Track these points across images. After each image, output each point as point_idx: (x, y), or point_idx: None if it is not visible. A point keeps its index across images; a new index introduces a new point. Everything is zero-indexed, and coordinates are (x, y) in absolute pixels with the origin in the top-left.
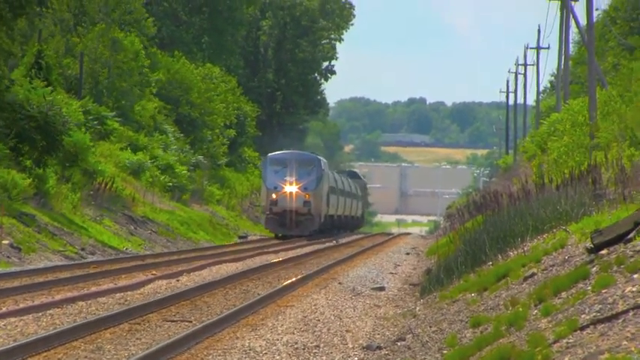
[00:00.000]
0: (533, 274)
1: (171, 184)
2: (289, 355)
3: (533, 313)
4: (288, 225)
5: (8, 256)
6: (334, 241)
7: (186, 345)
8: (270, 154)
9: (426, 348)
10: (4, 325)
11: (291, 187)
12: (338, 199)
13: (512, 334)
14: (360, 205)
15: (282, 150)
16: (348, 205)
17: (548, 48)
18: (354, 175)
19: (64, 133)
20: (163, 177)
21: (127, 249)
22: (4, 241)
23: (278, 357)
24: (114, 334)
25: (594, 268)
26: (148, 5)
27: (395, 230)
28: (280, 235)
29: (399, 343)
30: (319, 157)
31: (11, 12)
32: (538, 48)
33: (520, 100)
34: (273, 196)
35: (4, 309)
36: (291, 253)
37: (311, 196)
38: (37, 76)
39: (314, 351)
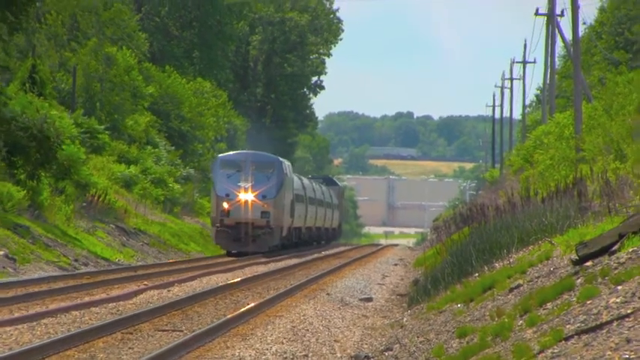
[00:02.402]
0: (518, 286)
1: (163, 197)
2: None
3: (519, 324)
4: (242, 240)
5: (3, 267)
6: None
7: (178, 354)
8: (220, 155)
9: (413, 358)
10: (1, 333)
11: (246, 195)
12: (307, 209)
13: (497, 345)
14: (336, 215)
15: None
16: (320, 215)
17: (534, 62)
18: (329, 181)
19: (58, 146)
20: (155, 190)
21: (119, 260)
22: (0, 252)
23: None
24: (107, 343)
25: (579, 280)
26: (140, 20)
27: (383, 242)
28: (234, 251)
29: (386, 353)
30: (280, 158)
31: (8, 28)
32: (524, 62)
33: (506, 114)
34: (225, 205)
35: (0, 317)
36: (280, 264)
37: (270, 205)
38: (31, 90)
39: None
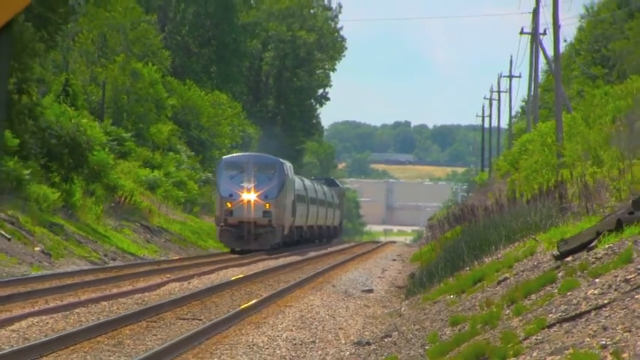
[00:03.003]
0: (505, 279)
1: (183, 198)
2: (288, 349)
3: (506, 313)
4: (245, 238)
5: (40, 261)
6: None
7: (197, 340)
8: (224, 157)
9: (410, 344)
10: (36, 322)
11: (248, 195)
12: (308, 208)
13: (487, 332)
14: (337, 214)
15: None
16: (322, 214)
17: (519, 77)
18: (330, 182)
19: (89, 152)
20: (177, 192)
21: (144, 255)
22: (36, 248)
23: (278, 351)
24: (133, 331)
25: (560, 273)
26: (164, 39)
27: (382, 239)
28: (237, 249)
29: (386, 340)
30: (281, 160)
31: (45, 45)
32: (510, 76)
33: (494, 123)
34: (228, 205)
35: (36, 308)
36: (289, 259)
37: (272, 205)
38: (64, 102)
39: (310, 346)
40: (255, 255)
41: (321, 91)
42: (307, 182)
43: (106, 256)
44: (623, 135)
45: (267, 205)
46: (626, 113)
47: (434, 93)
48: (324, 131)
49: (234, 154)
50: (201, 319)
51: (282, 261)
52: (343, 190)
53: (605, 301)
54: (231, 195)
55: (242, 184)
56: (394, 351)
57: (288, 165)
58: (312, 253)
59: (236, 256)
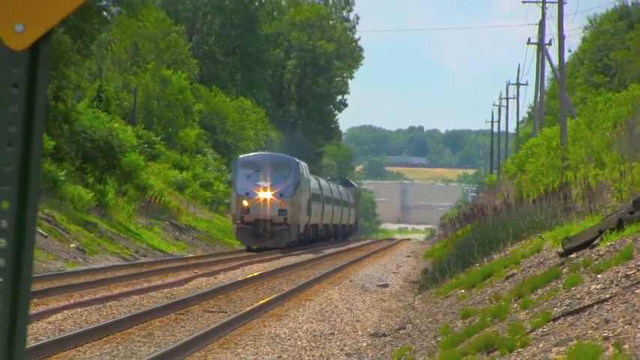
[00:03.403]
0: (513, 274)
1: (210, 198)
2: (308, 340)
3: (514, 307)
4: (261, 236)
5: (75, 257)
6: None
7: (223, 332)
8: (241, 156)
9: (424, 335)
10: (72, 314)
11: (264, 194)
12: (323, 207)
13: (495, 324)
14: (352, 213)
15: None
16: (337, 213)
17: (526, 84)
18: (346, 183)
19: (121, 155)
20: (204, 192)
21: (172, 252)
22: (71, 245)
23: (299, 342)
24: (162, 323)
25: (565, 269)
26: (192, 48)
27: (397, 237)
28: (253, 247)
29: (400, 331)
30: (297, 159)
31: (80, 54)
32: (518, 84)
33: (503, 128)
34: (245, 203)
35: (71, 301)
36: (310, 256)
37: (287, 203)
38: (98, 107)
39: (329, 337)
40: (276, 252)
41: (339, 97)
42: (322, 182)
43: (137, 252)
44: (623, 139)
45: (283, 203)
46: (626, 119)
47: (446, 99)
48: (342, 135)
49: (251, 154)
50: (226, 312)
51: (302, 257)
52: (358, 189)
53: (607, 296)
54: (247, 193)
55: (258, 183)
56: (408, 342)
57: (303, 164)
58: (330, 250)
59: (259, 253)
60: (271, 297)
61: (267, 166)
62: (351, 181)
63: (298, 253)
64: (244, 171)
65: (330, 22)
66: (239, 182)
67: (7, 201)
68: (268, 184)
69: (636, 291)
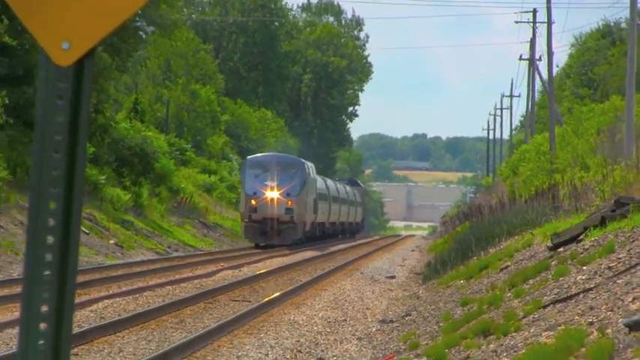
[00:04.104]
0: (507, 266)
1: (235, 199)
2: (324, 326)
3: (508, 296)
4: (268, 234)
5: (113, 252)
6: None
7: (247, 318)
8: (249, 157)
9: (427, 321)
10: (111, 303)
11: (272, 193)
12: (330, 206)
13: (491, 311)
14: (359, 211)
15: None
16: (344, 211)
17: (519, 96)
18: (353, 183)
19: (155, 160)
20: (229, 193)
21: (201, 247)
22: (110, 241)
23: (315, 328)
24: (193, 311)
25: (554, 262)
26: (218, 64)
27: (403, 233)
28: (261, 244)
29: (406, 318)
30: (303, 160)
31: (117, 70)
32: (511, 96)
33: (498, 135)
34: (253, 202)
35: (111, 291)
36: (325, 251)
37: (294, 202)
38: (134, 118)
39: (342, 323)
40: (296, 248)
41: (350, 108)
42: (329, 182)
43: (169, 247)
44: (606, 145)
45: (289, 202)
46: (608, 127)
47: (447, 109)
48: (353, 142)
49: (259, 154)
50: (250, 301)
51: (318, 252)
52: (365, 189)
53: (592, 285)
54: (255, 193)
55: (266, 183)
56: (413, 327)
57: (309, 165)
58: (342, 246)
59: (280, 248)
60: (290, 287)
61: (274, 167)
62: (358, 182)
63: (314, 248)
64: (252, 171)
65: (342, 41)
66: (247, 182)
67: (55, 202)
68: (275, 183)
69: (618, 281)
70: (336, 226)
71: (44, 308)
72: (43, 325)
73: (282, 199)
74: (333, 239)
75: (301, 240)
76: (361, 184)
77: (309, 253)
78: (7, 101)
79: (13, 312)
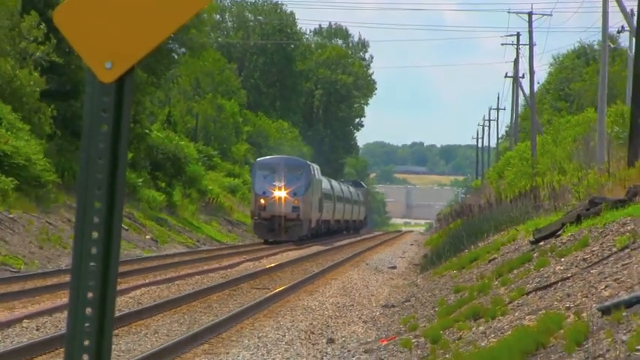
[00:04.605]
0: (494, 258)
1: None
2: (334, 310)
3: (495, 284)
4: (276, 230)
5: (149, 246)
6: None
7: (267, 304)
8: (258, 159)
9: (424, 306)
10: (147, 290)
11: (279, 193)
12: (335, 205)
13: (481, 298)
14: (362, 210)
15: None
16: (348, 209)
17: (504, 109)
18: (357, 184)
19: (186, 165)
20: (250, 194)
21: (226, 242)
22: (146, 236)
23: (326, 312)
24: (219, 297)
25: (535, 254)
26: (241, 81)
27: (403, 229)
28: (270, 240)
29: (406, 303)
30: (309, 162)
31: (153, 86)
32: (498, 109)
33: (486, 143)
34: (262, 201)
35: (147, 280)
36: (334, 245)
37: (300, 201)
38: (167, 128)
39: (350, 308)
40: (309, 242)
41: (357, 119)
42: (334, 183)
43: (198, 242)
44: (581, 152)
45: (296, 201)
46: (583, 136)
47: (441, 120)
48: (359, 150)
49: (267, 157)
50: (269, 289)
51: (328, 246)
52: (368, 190)
53: (569, 275)
54: (264, 192)
55: (274, 183)
56: (412, 312)
57: (315, 167)
58: (349, 240)
59: (295, 243)
60: (304, 277)
61: (281, 168)
62: (362, 183)
63: (325, 243)
64: (261, 172)
65: (350, 61)
66: (257, 183)
67: (99, 202)
68: (283, 184)
69: (591, 271)
70: (341, 223)
71: (90, 295)
72: (88, 310)
73: (289, 198)
74: (338, 235)
75: (307, 236)
76: (364, 185)
77: (317, 248)
78: (55, 113)
79: (62, 298)
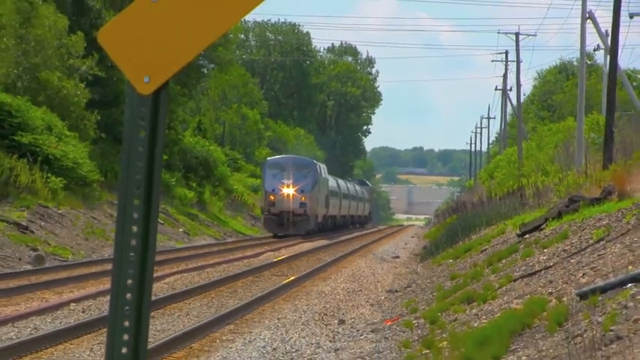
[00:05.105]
0: (485, 249)
1: None
2: (344, 295)
3: (486, 272)
4: (285, 225)
5: (182, 238)
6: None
7: (285, 289)
8: (269, 159)
9: (424, 291)
10: (180, 277)
11: (288, 190)
12: (341, 202)
13: (474, 284)
14: (367, 206)
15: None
16: (353, 206)
17: (494, 118)
18: (363, 183)
19: (214, 167)
20: None
21: (250, 234)
22: (179, 229)
23: (338, 296)
24: (243, 283)
25: (521, 246)
26: (263, 93)
27: (405, 224)
28: (279, 234)
29: (407, 289)
30: (315, 162)
31: (185, 97)
32: (489, 118)
33: (479, 148)
34: (272, 197)
35: (180, 268)
36: (342, 237)
37: (307, 198)
38: (198, 134)
39: (358, 293)
40: (322, 235)
41: (365, 127)
42: (341, 181)
43: (225, 234)
44: (561, 156)
45: (303, 198)
46: (563, 142)
47: (439, 128)
48: (367, 153)
49: (277, 157)
50: (287, 276)
51: (341, 238)
52: (372, 188)
53: (551, 264)
54: (273, 190)
55: (283, 181)
56: (413, 296)
57: (321, 166)
58: (357, 233)
59: (310, 236)
60: (318, 265)
61: (290, 167)
62: (367, 182)
63: (338, 236)
64: (271, 171)
65: (358, 75)
66: (267, 180)
67: (138, 199)
68: (291, 181)
69: (571, 261)
70: (347, 218)
71: (129, 282)
72: (128, 295)
73: (297, 195)
74: (344, 229)
75: (314, 230)
76: (369, 184)
77: (329, 240)
78: (99, 120)
79: (105, 284)
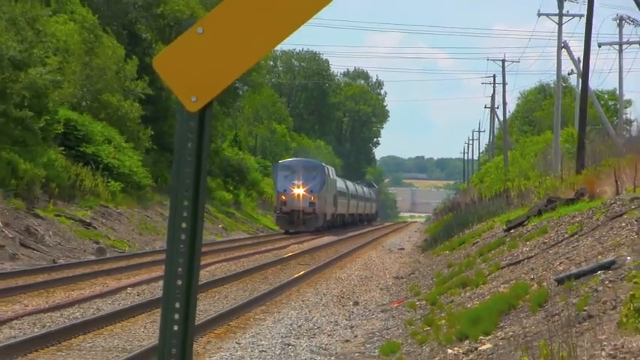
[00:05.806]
0: (477, 242)
1: None
2: (358, 280)
3: (477, 261)
4: (295, 222)
5: (221, 233)
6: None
7: (308, 276)
8: (280, 161)
9: (425, 278)
10: (219, 266)
11: (298, 190)
12: (349, 201)
13: (467, 271)
14: (374, 205)
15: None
16: (361, 205)
17: (484, 131)
18: (370, 185)
19: (248, 173)
20: None
21: (278, 230)
22: (219, 225)
23: (353, 282)
24: (272, 271)
25: (507, 239)
26: (289, 110)
27: (409, 220)
28: (291, 231)
29: (411, 275)
30: (324, 164)
31: (223, 114)
32: (479, 131)
33: (471, 157)
34: (283, 197)
35: (219, 258)
36: (357, 232)
37: (316, 197)
38: (234, 145)
39: (370, 279)
40: (338, 230)
41: (375, 139)
42: (349, 183)
43: (257, 230)
44: (541, 163)
45: (312, 197)
46: (542, 151)
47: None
48: (376, 161)
49: (288, 159)
50: (310, 265)
51: (357, 232)
52: (378, 189)
53: (533, 254)
54: (285, 190)
55: (293, 182)
56: (416, 282)
57: (330, 168)
58: (368, 228)
59: (328, 231)
60: (336, 255)
61: (300, 169)
62: (374, 184)
63: (354, 230)
64: (282, 173)
65: (369, 95)
66: (278, 181)
67: (187, 200)
68: (301, 182)
69: (549, 252)
70: (354, 216)
71: (179, 269)
72: (179, 281)
73: (307, 194)
74: (353, 226)
75: (323, 227)
76: (375, 186)
77: (346, 234)
78: (152, 133)
79: (156, 272)
